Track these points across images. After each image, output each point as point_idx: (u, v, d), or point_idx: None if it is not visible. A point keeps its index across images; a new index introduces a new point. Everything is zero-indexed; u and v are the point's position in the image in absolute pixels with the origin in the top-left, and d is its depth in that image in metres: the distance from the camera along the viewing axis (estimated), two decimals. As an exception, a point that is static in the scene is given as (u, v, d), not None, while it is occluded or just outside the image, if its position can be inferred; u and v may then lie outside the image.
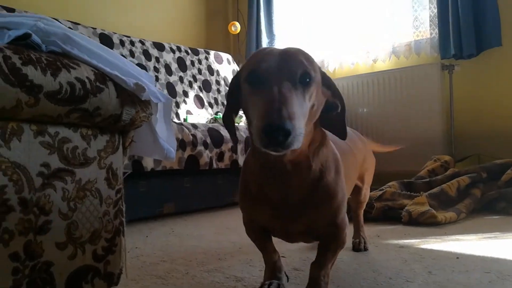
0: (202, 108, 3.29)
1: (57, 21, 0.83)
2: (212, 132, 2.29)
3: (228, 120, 0.86)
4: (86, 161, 0.82)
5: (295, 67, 0.68)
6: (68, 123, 0.78)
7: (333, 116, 0.81)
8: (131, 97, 0.86)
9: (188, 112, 3.13)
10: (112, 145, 0.88)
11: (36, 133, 0.72)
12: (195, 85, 3.34)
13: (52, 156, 0.75)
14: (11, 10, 2.35)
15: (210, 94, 3.42)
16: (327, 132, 0.86)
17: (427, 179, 2.27)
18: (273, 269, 0.98)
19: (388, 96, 3.13)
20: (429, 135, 2.88)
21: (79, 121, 0.79)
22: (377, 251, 1.38)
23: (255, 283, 1.04)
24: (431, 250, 1.36)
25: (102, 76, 0.82)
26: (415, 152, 2.95)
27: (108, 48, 0.91)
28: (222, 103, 3.49)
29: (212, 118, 3.09)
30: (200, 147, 2.18)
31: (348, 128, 1.27)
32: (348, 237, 0.93)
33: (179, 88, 3.17)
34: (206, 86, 3.40)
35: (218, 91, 3.52)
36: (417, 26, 2.98)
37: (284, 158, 0.75)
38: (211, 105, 3.37)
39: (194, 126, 2.26)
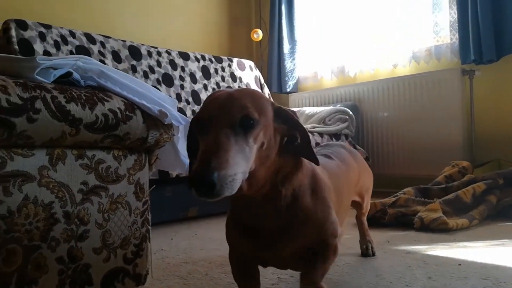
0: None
1: (93, 59, 0.98)
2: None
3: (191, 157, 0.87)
4: (117, 178, 0.96)
5: (235, 112, 0.70)
6: (102, 146, 0.93)
7: (298, 145, 0.81)
8: (155, 121, 1.00)
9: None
10: (139, 163, 1.02)
11: (76, 157, 0.87)
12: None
13: (89, 175, 0.90)
14: (48, 26, 2.56)
15: (233, 100, 3.56)
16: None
17: (443, 185, 2.32)
18: None
19: (409, 101, 3.18)
20: (449, 140, 2.91)
21: (111, 144, 0.94)
22: (384, 256, 1.47)
23: (268, 285, 1.16)
24: (436, 257, 1.43)
25: (131, 106, 0.96)
26: (435, 157, 3.00)
27: (136, 79, 1.05)
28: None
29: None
30: (222, 155, 2.31)
31: (341, 149, 1.34)
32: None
33: (203, 96, 3.32)
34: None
35: (241, 97, 3.65)
36: (437, 31, 3.01)
37: (250, 191, 0.76)
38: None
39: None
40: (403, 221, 1.99)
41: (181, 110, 3.04)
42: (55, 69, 0.89)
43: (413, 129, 3.18)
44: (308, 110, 3.34)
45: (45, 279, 0.80)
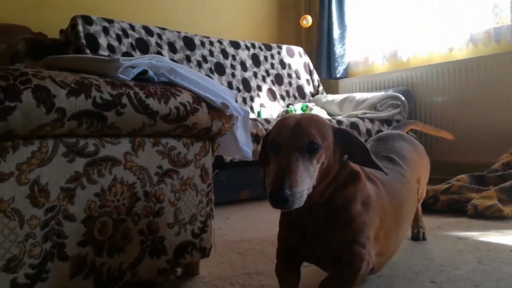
0: (275, 101, 3.52)
1: (165, 58, 1.11)
2: (284, 127, 2.51)
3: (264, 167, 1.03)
4: (186, 163, 1.09)
5: (304, 139, 0.84)
6: (174, 135, 1.05)
7: (361, 160, 0.93)
8: (218, 113, 1.12)
9: (261, 105, 3.39)
10: (204, 149, 1.15)
11: (153, 144, 1.01)
12: (268, 79, 3.57)
13: (164, 160, 1.03)
14: (110, 21, 2.76)
15: (282, 87, 3.64)
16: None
17: (500, 173, 2.28)
18: None
19: (465, 86, 3.09)
20: (508, 126, 2.82)
21: (182, 133, 1.06)
22: (435, 241, 1.51)
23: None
24: (488, 243, 1.46)
25: (197, 99, 1.08)
26: (492, 144, 2.92)
27: (201, 74, 1.17)
28: (294, 96, 3.69)
29: (283, 111, 3.30)
30: (273, 141, 2.42)
31: (401, 143, 1.34)
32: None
33: (253, 83, 3.43)
34: (278, 79, 3.62)
35: (290, 84, 3.72)
36: (497, 12, 2.89)
37: (314, 198, 0.89)
38: (283, 98, 3.59)
39: (267, 121, 2.50)
40: (456, 208, 2.00)
41: (233, 98, 3.17)
42: (133, 67, 1.02)
43: (469, 115, 3.11)
44: (359, 96, 3.35)
45: (129, 248, 0.95)
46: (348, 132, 0.92)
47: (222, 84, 3.19)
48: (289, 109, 3.26)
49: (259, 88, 3.45)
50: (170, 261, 1.05)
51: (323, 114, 3.32)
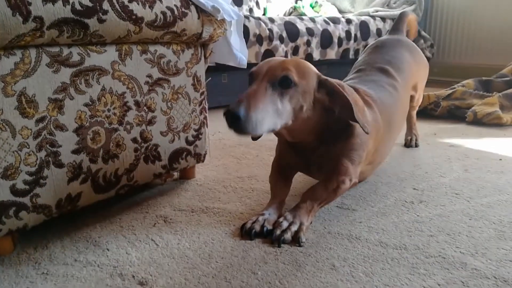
0: (283, -5, 3.31)
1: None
2: (288, 26, 2.40)
3: None
4: (177, 71, 1.08)
5: (278, 71, 0.84)
6: (163, 42, 1.02)
7: (344, 116, 0.91)
8: (209, 17, 1.07)
9: (268, 1, 3.20)
10: (196, 57, 1.12)
11: (141, 52, 0.99)
12: (276, -29, 3.32)
13: (153, 69, 1.02)
14: None
15: (291, -21, 3.39)
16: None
17: (508, 78, 2.22)
18: (272, 207, 0.98)
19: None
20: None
21: (170, 40, 1.03)
22: (427, 148, 1.55)
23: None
24: (479, 151, 1.49)
25: (186, 2, 1.02)
26: (504, 45, 2.79)
27: (190, -28, 1.09)
28: (303, -11, 3.45)
29: (291, 7, 3.13)
30: (276, 42, 2.34)
31: (398, 49, 1.32)
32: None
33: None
34: None
35: (300, -25, 3.45)
36: None
37: (295, 140, 0.96)
38: (291, -8, 3.37)
39: (271, 20, 2.38)
40: (456, 114, 2.00)
41: (237, -6, 2.98)
42: (115, -33, 0.95)
43: (488, 14, 2.92)
44: (372, -9, 3.13)
45: (124, 155, 0.99)
46: (334, 85, 0.90)
47: None
48: (297, 5, 3.08)
49: (265, -19, 3.22)
50: (165, 167, 1.11)
51: (333, 10, 3.15)
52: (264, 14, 3.14)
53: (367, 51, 1.36)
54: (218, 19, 1.08)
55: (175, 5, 0.99)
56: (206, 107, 1.20)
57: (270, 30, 2.31)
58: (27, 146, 0.80)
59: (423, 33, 3.07)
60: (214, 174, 1.31)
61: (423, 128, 1.83)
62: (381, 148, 1.12)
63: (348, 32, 2.67)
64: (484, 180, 1.21)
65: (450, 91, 2.08)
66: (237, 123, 0.77)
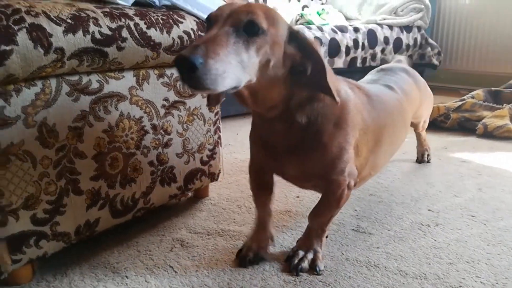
0: (289, 2, 3.30)
1: (166, -22, 1.02)
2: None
3: None
4: (193, 93, 1.07)
5: (243, 16, 0.66)
6: (179, 65, 1.02)
7: (314, 77, 0.75)
8: (224, 39, 1.06)
9: (274, 8, 3.19)
10: (211, 78, 1.12)
11: (158, 76, 0.98)
12: (278, -22, 3.31)
13: (170, 92, 1.02)
14: None
15: (298, -15, 3.38)
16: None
17: (518, 89, 2.21)
18: (260, 228, 0.96)
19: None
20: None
21: (186, 63, 1.03)
22: (438, 164, 1.54)
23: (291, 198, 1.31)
24: (491, 167, 1.48)
25: (202, 25, 1.02)
26: (511, 53, 2.78)
27: (205, -7, 1.09)
28: (311, -4, 3.45)
29: (298, 15, 3.12)
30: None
31: (404, 75, 1.27)
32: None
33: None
34: None
35: (307, -19, 3.45)
36: None
37: (259, 107, 0.78)
38: (298, -1, 3.36)
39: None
40: (466, 127, 1.99)
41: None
42: (133, -9, 0.95)
43: (496, 22, 2.91)
44: (379, -1, 3.11)
45: (141, 178, 0.98)
46: (307, 39, 0.74)
47: None
48: (304, 13, 3.07)
49: (272, -11, 3.21)
50: (180, 188, 1.10)
51: (340, 17, 3.14)
52: (271, 22, 3.13)
53: (371, 73, 1.35)
54: (234, 40, 1.07)
55: (191, 29, 0.99)
56: (220, 126, 1.20)
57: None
58: (48, 176, 0.80)
59: (430, 40, 3.06)
60: (227, 192, 1.30)
61: (433, 141, 1.82)
62: (377, 148, 0.99)
63: (355, 41, 2.66)
64: (499, 200, 1.20)
65: (460, 103, 2.06)
66: (191, 75, 0.59)
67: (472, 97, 2.14)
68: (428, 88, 1.43)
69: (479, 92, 2.20)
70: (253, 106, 0.78)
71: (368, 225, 1.07)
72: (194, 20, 1.01)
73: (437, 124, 2.03)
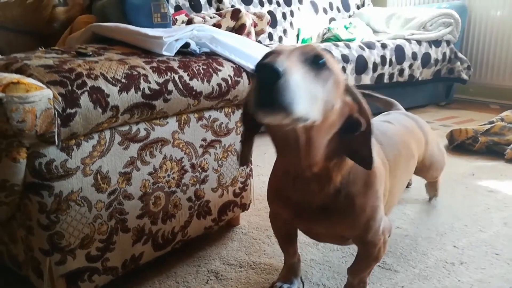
0: (317, 14, 3.36)
1: (206, 26, 1.11)
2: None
3: (244, 141, 0.86)
4: (228, 131, 1.16)
5: (309, 49, 0.65)
6: (216, 108, 1.11)
7: (357, 139, 0.74)
8: (259, 81, 1.14)
9: (302, 21, 3.25)
10: (245, 116, 1.20)
11: (197, 119, 1.07)
12: (310, -10, 3.37)
13: (207, 133, 1.10)
14: None
15: (325, -2, 3.44)
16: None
17: (550, 111, 2.21)
18: (289, 271, 1.03)
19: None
20: None
21: (223, 105, 1.11)
22: (465, 193, 1.58)
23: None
24: (519, 199, 1.51)
25: (238, 70, 1.10)
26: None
27: (243, 37, 1.17)
28: (337, 8, 3.49)
29: (325, 29, 3.17)
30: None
31: (404, 116, 1.23)
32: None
33: (295, -6, 3.25)
34: None
35: (333, -7, 3.50)
36: None
37: (303, 163, 0.74)
38: (325, 11, 3.41)
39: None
40: (495, 150, 2.00)
41: (271, 13, 3.05)
42: (176, 40, 1.04)
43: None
44: (408, 12, 3.13)
45: (180, 214, 1.08)
46: (359, 95, 0.74)
47: (262, 0, 3.06)
48: (331, 27, 3.12)
49: (300, 1, 3.28)
50: (215, 220, 1.19)
51: (367, 31, 3.18)
52: (297, 35, 3.20)
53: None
54: (268, 83, 1.16)
55: (229, 75, 1.07)
56: (251, 159, 1.28)
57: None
58: (100, 217, 0.90)
59: (459, 54, 3.06)
60: (257, 220, 1.39)
61: (460, 165, 1.86)
62: (392, 195, 1.00)
63: (383, 57, 2.70)
64: (525, 237, 1.24)
65: (489, 126, 2.08)
66: (274, 84, 0.54)
67: (502, 119, 2.16)
68: (432, 132, 1.33)
69: (509, 114, 2.21)
70: (301, 156, 0.72)
71: (394, 261, 1.13)
72: (231, 66, 1.09)
73: (465, 147, 2.06)
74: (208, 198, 1.16)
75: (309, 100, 0.60)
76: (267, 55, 0.68)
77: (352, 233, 0.87)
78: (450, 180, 1.67)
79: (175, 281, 1.06)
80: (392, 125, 1.14)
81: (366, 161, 0.75)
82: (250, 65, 1.12)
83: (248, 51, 1.14)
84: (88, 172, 0.86)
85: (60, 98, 0.76)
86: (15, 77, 0.74)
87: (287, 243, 1.01)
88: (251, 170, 1.28)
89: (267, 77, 0.55)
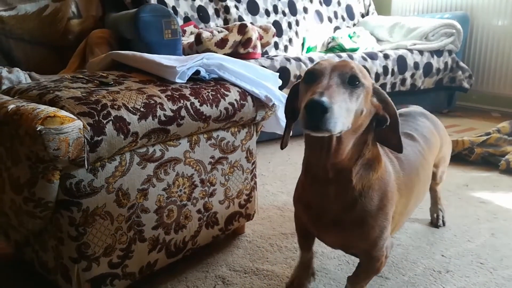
0: (321, 23, 3.47)
1: (215, 54, 1.23)
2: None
3: (286, 128, 1.02)
4: (234, 149, 1.29)
5: (346, 70, 0.80)
6: (224, 128, 1.23)
7: (387, 130, 0.88)
8: (262, 104, 1.27)
9: (307, 30, 3.36)
10: (249, 134, 1.32)
11: (207, 139, 1.20)
12: (315, 0, 3.48)
13: (215, 151, 1.23)
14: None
15: (330, 7, 3.55)
16: (387, 163, 0.95)
17: (545, 122, 2.30)
18: (303, 267, 1.15)
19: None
20: None
21: (230, 126, 1.24)
22: (458, 204, 1.68)
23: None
24: (508, 210, 1.61)
25: (244, 94, 1.22)
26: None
27: (248, 63, 1.30)
28: (342, 17, 3.60)
29: (329, 38, 3.28)
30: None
31: (424, 120, 1.31)
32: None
33: (299, 5, 3.37)
34: None
35: (339, 3, 3.60)
36: None
37: (327, 159, 0.85)
38: (330, 20, 3.52)
39: (311, 59, 2.56)
40: (490, 161, 2.11)
41: (276, 23, 3.17)
42: (188, 68, 1.17)
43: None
44: (410, 22, 3.23)
45: (190, 224, 1.20)
46: (385, 93, 0.88)
47: (267, 8, 3.17)
48: (335, 36, 3.23)
49: (305, 10, 3.39)
50: (222, 229, 1.32)
51: (371, 40, 3.28)
52: (303, 44, 3.32)
53: None
54: (270, 105, 1.28)
55: (235, 100, 1.20)
56: (256, 173, 1.40)
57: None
58: (121, 229, 1.02)
59: (461, 64, 3.15)
60: (260, 229, 1.51)
61: (455, 176, 1.96)
62: (403, 211, 1.07)
63: (385, 67, 2.81)
64: (509, 247, 1.34)
65: (485, 137, 2.18)
66: (323, 116, 0.71)
67: (498, 131, 2.26)
68: (448, 136, 1.48)
69: (505, 125, 2.31)
70: (330, 155, 0.84)
71: (385, 269, 1.24)
72: (237, 91, 1.22)
73: (462, 157, 2.16)
74: (216, 210, 1.28)
75: (346, 116, 0.76)
76: (312, 72, 0.83)
77: (359, 246, 0.97)
78: (444, 190, 1.77)
79: (185, 285, 1.18)
80: (414, 144, 1.18)
81: (396, 147, 0.90)
82: (255, 89, 1.24)
83: (252, 76, 1.26)
84: (111, 189, 0.98)
85: (89, 128, 0.89)
86: (51, 110, 0.87)
87: (305, 240, 1.13)
88: (255, 183, 1.41)
89: (316, 112, 0.71)
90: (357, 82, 0.79)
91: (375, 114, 0.87)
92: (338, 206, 0.90)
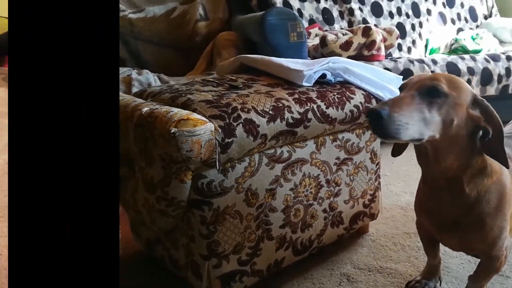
0: (445, 25, 2.86)
1: (341, 58, 0.97)
2: (450, 67, 2.05)
3: None
4: (359, 150, 1.00)
5: (427, 82, 0.66)
6: (349, 130, 0.96)
7: (493, 142, 0.68)
8: (391, 104, 0.96)
9: (430, 32, 2.78)
10: (374, 136, 1.03)
11: (332, 141, 0.94)
12: (439, 1, 2.88)
13: (341, 152, 0.97)
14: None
15: (453, 9, 2.90)
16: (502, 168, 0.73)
17: None
18: (430, 271, 0.95)
19: None
20: None
21: (355, 128, 0.96)
22: None
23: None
24: None
25: (368, 97, 0.94)
26: None
27: (372, 66, 1.01)
28: (465, 19, 2.92)
29: (453, 39, 2.68)
30: (434, 83, 2.02)
31: None
32: None
33: (422, 7, 2.79)
34: (449, 1, 2.89)
35: (462, 5, 2.93)
36: None
37: (436, 169, 0.70)
38: (453, 22, 2.88)
39: (434, 61, 2.07)
40: None
41: (400, 25, 2.68)
42: (314, 72, 0.93)
43: None
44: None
45: (316, 223, 0.97)
46: (489, 105, 0.68)
47: (391, 10, 2.70)
48: (458, 38, 2.62)
49: (428, 12, 2.81)
50: (346, 228, 1.05)
51: (494, 42, 2.58)
52: (426, 45, 2.77)
53: None
54: (399, 105, 0.96)
55: (360, 102, 0.93)
56: (380, 174, 1.09)
57: (433, 72, 2.01)
58: (250, 228, 0.84)
59: None
60: (384, 228, 1.19)
61: None
62: None
63: (508, 69, 2.15)
64: None
65: None
66: (378, 123, 0.61)
67: None
68: None
69: None
70: (433, 163, 0.70)
71: (506, 268, 0.88)
72: (362, 94, 0.94)
73: None
74: (341, 209, 1.02)
75: (420, 126, 0.63)
76: (401, 86, 0.71)
77: (479, 247, 0.79)
78: None
79: (311, 282, 0.95)
80: None
81: (502, 161, 0.69)
82: (379, 92, 0.95)
83: (377, 79, 0.97)
84: (240, 189, 0.81)
85: (220, 130, 0.72)
86: (184, 113, 0.72)
87: (430, 247, 0.93)
88: (379, 183, 1.10)
89: (372, 119, 0.62)
90: (438, 93, 0.64)
91: (475, 126, 0.68)
92: (455, 211, 0.74)
